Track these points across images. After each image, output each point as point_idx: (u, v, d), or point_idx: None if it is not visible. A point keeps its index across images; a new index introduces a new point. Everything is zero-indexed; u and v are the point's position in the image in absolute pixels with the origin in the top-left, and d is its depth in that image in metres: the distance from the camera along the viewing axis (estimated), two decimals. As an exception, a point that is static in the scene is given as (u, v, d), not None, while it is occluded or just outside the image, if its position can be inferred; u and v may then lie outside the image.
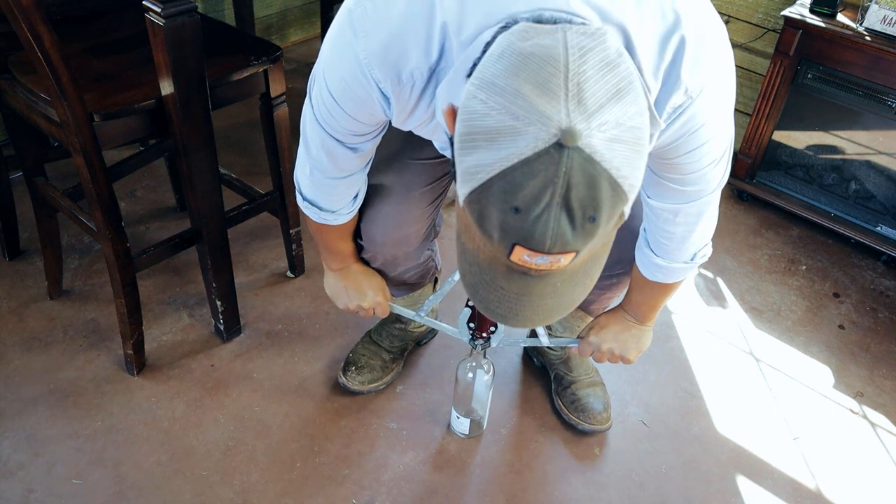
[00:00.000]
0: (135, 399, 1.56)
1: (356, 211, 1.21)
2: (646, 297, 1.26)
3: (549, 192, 0.61)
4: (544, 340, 1.39)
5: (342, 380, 1.60)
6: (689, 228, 1.04)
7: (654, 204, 1.03)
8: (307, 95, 1.00)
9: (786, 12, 2.02)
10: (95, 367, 1.62)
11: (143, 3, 1.21)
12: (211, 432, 1.51)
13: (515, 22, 0.71)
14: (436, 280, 1.57)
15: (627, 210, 0.67)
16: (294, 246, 1.85)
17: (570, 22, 0.70)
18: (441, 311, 1.80)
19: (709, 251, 1.14)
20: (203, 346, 1.70)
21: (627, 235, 1.20)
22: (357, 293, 1.35)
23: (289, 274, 1.91)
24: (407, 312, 1.42)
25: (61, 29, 1.42)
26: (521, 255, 0.66)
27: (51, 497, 1.38)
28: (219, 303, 1.63)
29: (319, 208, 1.17)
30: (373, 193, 1.24)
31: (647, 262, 1.16)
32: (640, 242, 1.16)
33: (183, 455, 1.47)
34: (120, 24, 1.60)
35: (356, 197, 1.19)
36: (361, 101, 0.90)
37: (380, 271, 1.38)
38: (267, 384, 1.62)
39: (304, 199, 1.17)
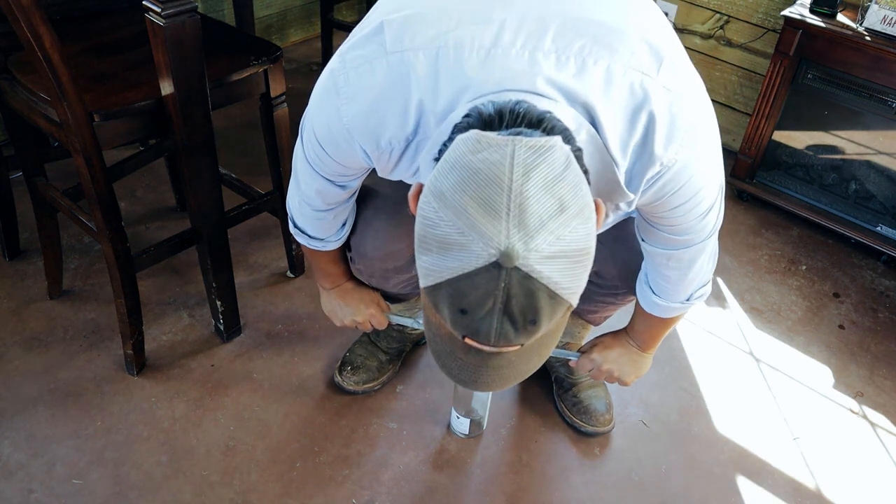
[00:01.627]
0: (135, 399, 1.57)
1: (345, 238, 1.25)
2: (647, 326, 1.28)
3: (490, 301, 0.66)
4: None
5: (337, 379, 1.60)
6: (682, 273, 1.07)
7: (648, 248, 1.06)
8: (299, 135, 1.05)
9: (786, 12, 2.02)
10: (95, 367, 1.62)
11: (143, 3, 1.21)
12: (211, 432, 1.51)
13: (479, 112, 0.74)
14: None
15: (575, 303, 0.71)
16: (294, 246, 1.85)
17: (523, 130, 0.71)
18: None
19: (707, 291, 1.16)
20: (203, 346, 1.70)
21: (626, 254, 1.22)
22: (351, 308, 1.38)
23: (289, 274, 1.91)
24: (406, 321, 1.43)
25: (61, 29, 1.42)
26: (472, 342, 0.72)
27: (51, 497, 1.38)
28: (219, 303, 1.63)
29: (309, 236, 1.22)
30: (363, 208, 1.25)
31: (645, 298, 1.20)
32: (641, 277, 1.19)
33: (183, 455, 1.47)
34: (120, 24, 1.60)
35: (344, 225, 1.23)
36: (346, 154, 0.95)
37: (372, 287, 1.40)
38: (267, 384, 1.62)
39: (295, 226, 1.22)
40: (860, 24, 1.92)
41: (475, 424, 1.52)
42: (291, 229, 1.23)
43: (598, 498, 1.47)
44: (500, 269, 0.64)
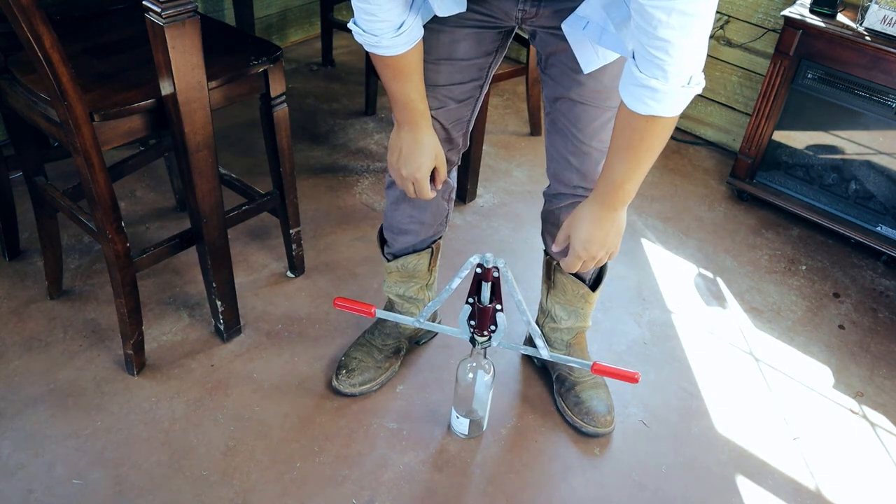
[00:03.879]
0: (135, 399, 1.57)
1: (401, 47, 1.18)
2: (631, 166, 1.15)
3: None
4: (544, 354, 1.38)
5: (335, 384, 1.61)
6: (683, 32, 0.97)
7: (647, 5, 0.96)
8: None
9: (786, 12, 2.02)
10: (95, 367, 1.62)
11: (143, 3, 1.21)
12: (211, 432, 1.51)
13: None
14: (432, 255, 1.58)
15: None
16: (294, 246, 1.85)
17: None
18: (441, 311, 1.80)
19: (703, 80, 1.06)
20: (203, 346, 1.70)
21: (587, 151, 1.27)
22: (405, 157, 1.32)
23: (289, 274, 1.91)
24: (403, 319, 1.43)
25: (61, 29, 1.42)
26: None
27: (51, 497, 1.38)
28: (219, 303, 1.63)
29: (363, 30, 1.17)
30: None
31: (638, 91, 1.05)
32: (630, 72, 1.05)
33: (183, 455, 1.47)
34: (120, 24, 1.60)
35: (400, 28, 1.16)
36: None
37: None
38: (267, 384, 1.62)
39: (354, 21, 1.19)
40: (860, 24, 1.92)
41: (475, 425, 1.52)
42: (350, 25, 1.19)
43: (598, 498, 1.47)
44: None
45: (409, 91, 1.26)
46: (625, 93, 1.08)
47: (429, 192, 1.36)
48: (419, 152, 1.32)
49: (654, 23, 0.97)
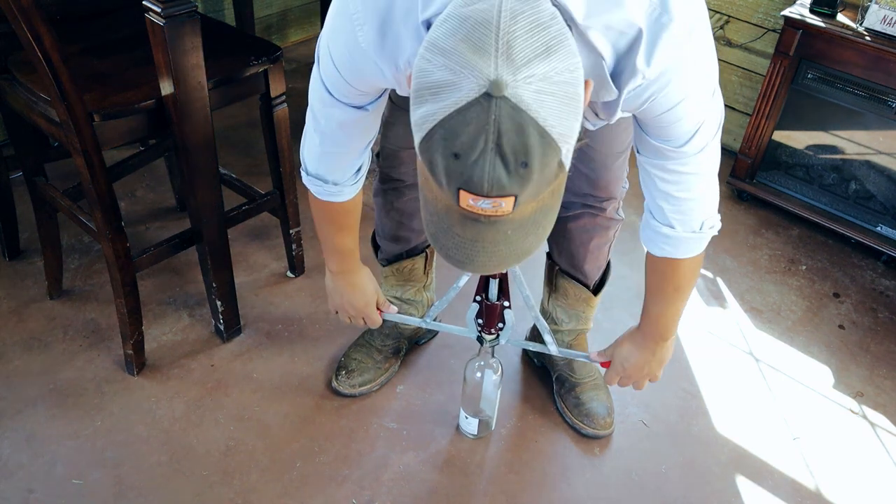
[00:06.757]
0: (135, 399, 1.56)
1: (359, 187, 1.21)
2: (661, 301, 1.21)
3: (482, 139, 0.67)
4: (552, 349, 1.39)
5: (334, 384, 1.61)
6: (683, 189, 1.03)
7: (643, 160, 1.03)
8: (315, 65, 1.03)
9: (786, 12, 2.02)
10: (95, 367, 1.62)
11: (143, 3, 1.21)
12: (211, 432, 1.51)
13: None
14: (427, 259, 1.57)
15: (567, 161, 0.72)
16: (294, 246, 1.85)
17: None
18: (443, 312, 1.79)
19: (717, 224, 1.11)
20: (203, 346, 1.70)
21: (596, 158, 1.26)
22: (349, 300, 1.37)
23: (289, 274, 1.91)
24: (409, 320, 1.42)
25: (61, 29, 1.42)
26: (466, 200, 0.72)
27: (51, 497, 1.38)
28: (219, 303, 1.63)
29: (324, 181, 1.17)
30: (390, 108, 1.30)
31: (653, 235, 1.11)
32: (645, 217, 1.12)
33: (183, 455, 1.47)
34: (120, 24, 1.60)
35: (360, 170, 1.18)
36: (366, 76, 0.96)
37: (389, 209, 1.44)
38: (267, 384, 1.62)
39: (309, 174, 1.18)
40: (860, 24, 1.92)
41: (484, 425, 1.52)
42: (305, 180, 1.19)
43: (598, 498, 1.47)
44: (490, 99, 0.66)
45: (348, 242, 1.30)
46: (644, 237, 1.14)
47: (380, 320, 1.41)
48: (361, 292, 1.37)
49: (652, 177, 1.03)
